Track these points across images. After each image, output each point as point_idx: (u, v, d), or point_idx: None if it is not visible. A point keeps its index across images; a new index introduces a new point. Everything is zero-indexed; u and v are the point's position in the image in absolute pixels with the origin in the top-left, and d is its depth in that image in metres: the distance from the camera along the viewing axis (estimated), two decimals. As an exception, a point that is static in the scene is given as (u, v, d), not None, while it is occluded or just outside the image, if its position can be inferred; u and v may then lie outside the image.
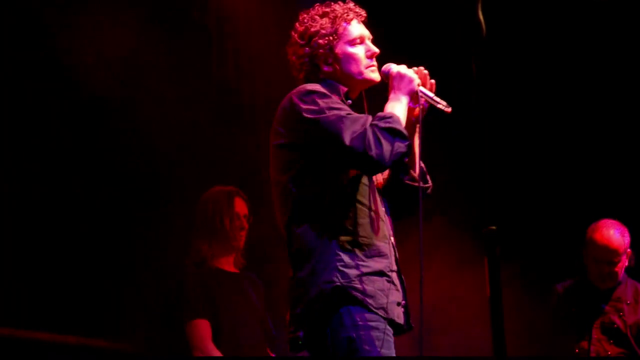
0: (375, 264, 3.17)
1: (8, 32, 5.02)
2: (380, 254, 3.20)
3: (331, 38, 3.34)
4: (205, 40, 5.66)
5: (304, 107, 3.18)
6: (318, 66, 3.35)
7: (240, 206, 4.89)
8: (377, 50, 3.40)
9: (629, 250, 5.08)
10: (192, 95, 5.53)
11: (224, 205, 4.80)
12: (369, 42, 3.41)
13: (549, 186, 6.11)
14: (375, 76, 3.39)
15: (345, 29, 3.37)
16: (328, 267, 3.11)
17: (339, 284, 3.09)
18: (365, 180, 3.25)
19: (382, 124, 3.16)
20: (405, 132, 3.20)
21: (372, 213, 3.22)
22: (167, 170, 5.48)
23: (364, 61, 3.36)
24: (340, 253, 3.13)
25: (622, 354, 5.00)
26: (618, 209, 5.33)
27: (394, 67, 3.35)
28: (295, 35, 3.40)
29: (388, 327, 3.15)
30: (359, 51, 3.37)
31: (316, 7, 3.43)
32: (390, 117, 3.20)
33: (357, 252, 3.15)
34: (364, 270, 3.14)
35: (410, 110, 3.34)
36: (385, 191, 3.41)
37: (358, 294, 3.11)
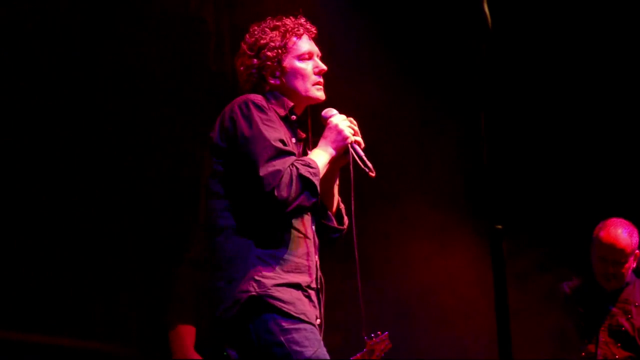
0: (293, 278, 3.21)
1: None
2: (299, 270, 3.23)
3: (280, 51, 3.37)
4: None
5: (241, 120, 3.20)
6: (265, 78, 3.39)
7: None
8: (325, 67, 3.42)
9: (637, 251, 5.04)
10: (191, 96, 5.51)
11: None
12: (317, 59, 3.43)
13: (557, 184, 6.10)
14: (321, 95, 3.42)
15: (295, 43, 3.40)
16: (245, 277, 3.14)
17: (254, 293, 3.13)
18: None
19: (302, 171, 3.17)
20: (318, 189, 3.19)
21: (295, 230, 3.25)
22: (169, 168, 5.44)
23: (311, 77, 3.40)
24: (258, 263, 3.16)
25: (630, 358, 4.98)
26: (629, 209, 5.31)
27: (333, 118, 3.37)
28: (245, 46, 3.44)
29: (314, 327, 3.19)
30: (307, 67, 3.40)
31: (268, 20, 3.46)
32: (312, 168, 3.20)
33: (274, 265, 3.18)
34: (281, 281, 3.17)
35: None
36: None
37: (276, 302, 3.14)
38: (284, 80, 3.37)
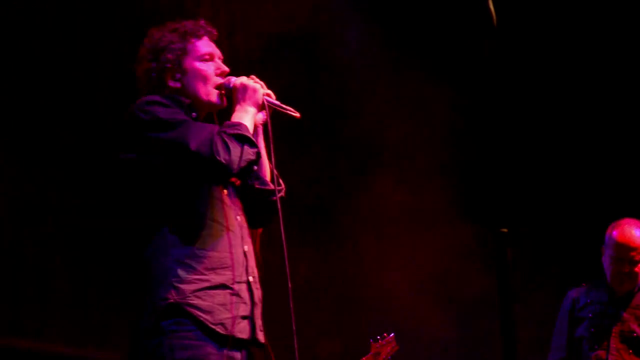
0: (216, 277, 3.16)
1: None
2: (223, 266, 3.18)
3: (180, 53, 3.33)
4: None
5: (145, 118, 3.17)
6: (164, 82, 3.33)
7: None
8: (227, 69, 3.39)
9: (651, 250, 5.02)
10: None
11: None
12: (219, 61, 3.40)
13: (565, 187, 6.11)
14: (223, 101, 3.38)
15: (194, 44, 3.37)
16: (163, 283, 3.11)
17: (172, 300, 3.08)
18: (208, 189, 3.24)
19: (230, 131, 3.16)
20: (254, 139, 3.21)
21: (215, 224, 3.21)
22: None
23: (213, 79, 3.36)
24: (176, 267, 3.12)
25: (643, 365, 4.95)
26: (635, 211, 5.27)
27: (237, 80, 3.34)
28: (143, 50, 3.37)
29: (224, 350, 3.14)
30: (208, 68, 3.36)
31: (167, 24, 3.41)
32: (239, 125, 3.20)
33: (195, 265, 3.14)
34: (202, 284, 3.12)
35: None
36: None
37: (193, 310, 3.09)
38: (184, 82, 3.33)
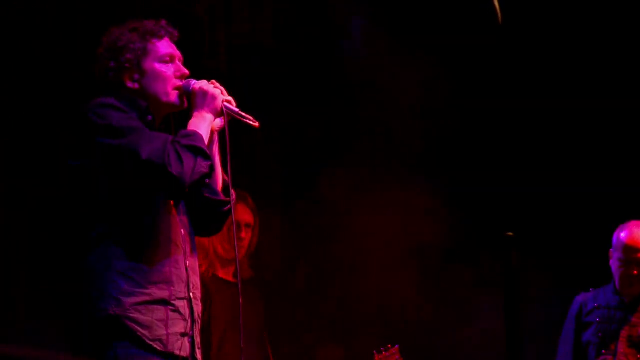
0: (158, 292, 3.12)
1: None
2: (166, 281, 3.14)
3: (139, 53, 3.26)
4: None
5: (97, 121, 3.10)
6: (122, 82, 3.26)
7: (242, 213, 4.75)
8: (186, 71, 3.32)
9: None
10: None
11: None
12: (179, 63, 3.33)
13: (571, 190, 6.01)
14: (182, 102, 3.31)
15: (155, 45, 3.29)
16: (103, 294, 3.07)
17: (112, 312, 3.05)
18: (156, 200, 3.18)
19: (184, 141, 3.10)
20: (208, 151, 3.16)
21: (161, 236, 3.17)
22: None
23: (172, 80, 3.28)
24: (118, 279, 3.08)
25: (650, 370, 4.96)
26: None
27: (196, 84, 3.28)
28: (101, 49, 3.30)
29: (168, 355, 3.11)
30: (167, 69, 3.29)
31: (127, 23, 3.35)
32: (193, 135, 3.14)
33: (137, 278, 3.09)
34: (142, 298, 3.09)
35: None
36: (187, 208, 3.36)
37: (132, 324, 3.05)
38: (143, 83, 3.26)
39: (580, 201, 5.97)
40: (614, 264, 5.07)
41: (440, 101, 5.93)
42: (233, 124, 3.33)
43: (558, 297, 5.57)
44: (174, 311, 3.14)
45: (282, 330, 5.55)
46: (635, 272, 4.98)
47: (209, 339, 4.56)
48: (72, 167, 3.17)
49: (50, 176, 4.88)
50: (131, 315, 3.05)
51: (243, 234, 4.83)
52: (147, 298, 3.09)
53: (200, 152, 3.11)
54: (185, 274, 3.21)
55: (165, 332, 3.10)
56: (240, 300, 3.30)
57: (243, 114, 3.31)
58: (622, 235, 5.01)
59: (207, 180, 3.24)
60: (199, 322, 3.26)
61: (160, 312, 3.11)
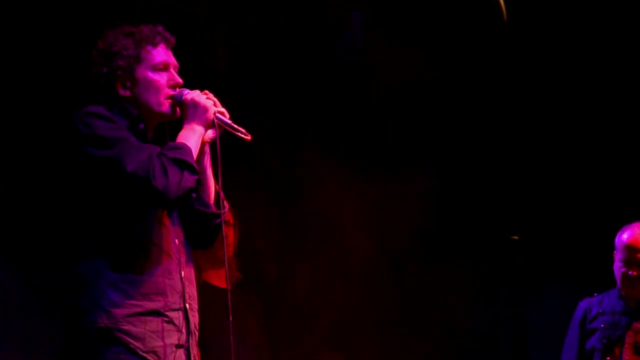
0: (150, 303, 3.08)
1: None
2: (158, 292, 3.10)
3: (132, 60, 3.21)
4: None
5: (83, 131, 3.06)
6: (114, 88, 3.22)
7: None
8: (180, 80, 3.27)
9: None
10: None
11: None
12: (173, 71, 3.28)
13: (577, 194, 6.02)
14: (174, 111, 3.27)
15: (149, 52, 3.24)
16: (94, 307, 3.03)
17: (102, 325, 3.01)
18: (147, 210, 3.14)
19: (171, 154, 3.06)
20: (195, 166, 3.12)
21: (152, 246, 3.13)
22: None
23: (165, 90, 3.23)
24: (109, 291, 3.04)
25: (657, 377, 4.93)
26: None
27: (188, 94, 3.23)
28: (95, 52, 3.26)
29: None
30: (160, 79, 3.24)
31: (123, 27, 3.29)
32: (181, 148, 3.10)
33: (129, 290, 3.06)
34: (134, 310, 3.05)
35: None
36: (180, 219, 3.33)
37: (124, 336, 3.01)
38: (135, 91, 3.22)
39: (586, 204, 5.95)
40: (616, 266, 5.04)
41: (438, 94, 5.91)
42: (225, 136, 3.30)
43: (562, 302, 5.54)
44: (168, 322, 3.10)
45: (282, 336, 5.51)
46: (636, 273, 4.95)
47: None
48: (59, 174, 3.14)
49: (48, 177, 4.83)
50: (123, 327, 3.01)
51: (227, 232, 4.76)
52: (139, 309, 3.05)
53: (187, 165, 3.07)
54: (180, 284, 3.17)
55: (160, 344, 3.06)
56: (230, 304, 3.27)
57: (235, 126, 3.26)
58: (624, 236, 4.99)
59: (194, 195, 3.21)
60: (196, 333, 3.22)
61: (153, 323, 3.07)
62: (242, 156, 5.46)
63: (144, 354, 3.02)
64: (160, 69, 3.23)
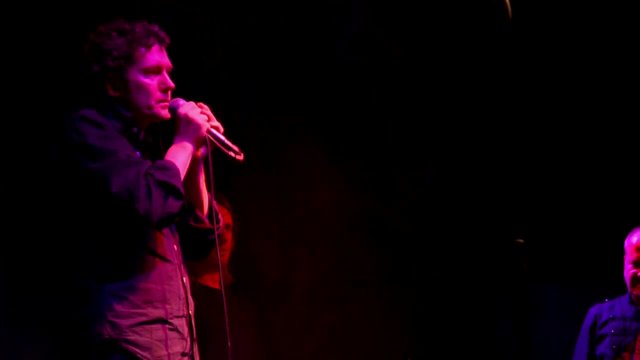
0: (154, 311, 3.03)
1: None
2: (161, 299, 3.05)
3: (123, 62, 3.13)
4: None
5: (75, 138, 2.99)
6: (104, 88, 3.15)
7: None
8: (172, 84, 3.19)
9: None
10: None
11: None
12: (166, 74, 3.20)
13: (588, 198, 5.98)
14: (165, 113, 3.19)
15: (142, 54, 3.16)
16: (98, 318, 2.97)
17: (107, 337, 2.95)
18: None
19: (158, 176, 2.98)
20: (182, 190, 3.02)
21: (151, 255, 3.06)
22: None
23: (156, 94, 3.16)
24: (112, 301, 2.98)
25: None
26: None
27: (181, 107, 3.15)
28: (87, 47, 3.19)
29: None
30: (152, 82, 3.16)
31: (117, 22, 3.21)
32: (169, 170, 3.02)
33: (132, 298, 3.00)
34: (139, 319, 3.00)
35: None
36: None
37: (130, 347, 2.96)
38: (125, 93, 3.14)
39: (598, 207, 5.94)
40: (626, 269, 5.04)
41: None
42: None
43: (572, 307, 5.52)
44: (172, 330, 3.06)
45: (280, 340, 5.47)
46: None
47: None
48: (52, 180, 3.08)
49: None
50: (129, 337, 2.96)
51: (226, 236, 4.70)
52: (144, 318, 3.00)
53: (173, 190, 2.98)
54: (183, 290, 3.13)
55: (166, 353, 3.02)
56: (225, 308, 3.21)
57: (228, 143, 3.19)
58: (634, 239, 5.01)
59: (176, 220, 3.14)
60: (196, 340, 3.17)
61: (158, 331, 3.02)
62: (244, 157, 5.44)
63: None
64: (153, 72, 3.16)
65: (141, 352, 2.96)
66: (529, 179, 5.68)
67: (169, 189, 2.97)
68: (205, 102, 3.38)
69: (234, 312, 4.65)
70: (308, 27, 5.84)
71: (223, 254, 4.70)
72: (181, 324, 3.09)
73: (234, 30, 5.65)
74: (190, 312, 3.13)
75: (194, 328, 3.14)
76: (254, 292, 5.05)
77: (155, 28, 3.21)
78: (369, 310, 6.02)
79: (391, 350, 4.93)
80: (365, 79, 6.08)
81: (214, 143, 3.17)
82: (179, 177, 3.03)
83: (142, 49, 3.15)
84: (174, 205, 2.98)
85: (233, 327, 4.56)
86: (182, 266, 3.17)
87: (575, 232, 5.93)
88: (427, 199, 6.10)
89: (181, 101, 3.17)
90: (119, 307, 2.96)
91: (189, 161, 3.11)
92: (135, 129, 3.14)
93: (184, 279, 3.15)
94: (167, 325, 3.04)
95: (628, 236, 5.04)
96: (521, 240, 4.74)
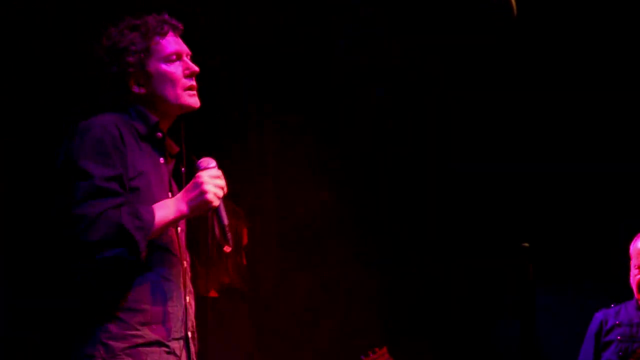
0: (151, 333, 2.88)
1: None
2: (160, 321, 2.91)
3: (142, 55, 3.03)
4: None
5: (73, 149, 2.85)
6: (127, 87, 3.03)
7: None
8: (196, 68, 3.10)
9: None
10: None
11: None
12: (187, 59, 3.10)
13: (594, 203, 5.95)
14: (194, 101, 3.08)
15: (158, 43, 3.05)
16: (91, 340, 2.82)
17: (100, 359, 2.81)
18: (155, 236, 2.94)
19: (125, 220, 2.77)
20: (140, 247, 2.78)
21: (152, 273, 2.91)
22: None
23: (182, 81, 3.05)
24: (106, 322, 2.83)
25: (675, 390, 4.92)
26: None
27: (204, 173, 2.94)
28: (101, 51, 3.07)
29: None
30: (175, 69, 3.06)
31: (126, 20, 3.11)
32: (142, 222, 2.80)
33: (128, 319, 2.85)
34: (135, 341, 2.85)
35: None
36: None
37: None
38: (150, 87, 3.03)
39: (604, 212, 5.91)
40: (632, 274, 4.97)
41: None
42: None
43: (576, 312, 5.51)
44: (168, 353, 2.91)
45: (278, 348, 5.43)
46: None
47: None
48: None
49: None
50: None
51: (243, 240, 4.65)
52: (139, 341, 2.86)
53: (128, 242, 2.76)
54: (183, 312, 2.99)
55: None
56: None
57: (226, 229, 2.99)
58: (637, 241, 4.94)
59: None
60: None
61: (155, 354, 2.88)
62: (243, 158, 5.40)
63: None
64: (173, 60, 3.05)
65: None
66: (532, 180, 5.65)
67: (124, 239, 2.76)
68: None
69: (232, 317, 4.64)
70: (308, 27, 5.79)
71: (241, 253, 4.61)
72: (179, 346, 2.96)
73: (234, 30, 5.62)
74: (188, 333, 3.00)
75: (191, 350, 3.01)
76: (252, 295, 4.99)
77: (166, 17, 3.12)
78: (369, 309, 6.01)
79: (392, 350, 4.87)
80: (365, 79, 6.04)
81: (216, 220, 2.98)
82: (147, 232, 2.82)
83: (158, 38, 3.05)
84: (122, 258, 2.77)
85: (231, 332, 4.55)
86: (187, 283, 3.04)
87: (578, 232, 5.88)
88: (428, 199, 6.08)
89: (212, 163, 2.98)
90: (113, 329, 2.83)
91: (171, 223, 2.92)
92: (159, 135, 3.02)
93: (187, 298, 3.02)
94: (164, 348, 2.90)
95: (633, 241, 4.97)
96: (526, 244, 4.71)
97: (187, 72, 3.05)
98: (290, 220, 5.86)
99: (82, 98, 4.58)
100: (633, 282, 4.95)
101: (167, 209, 2.89)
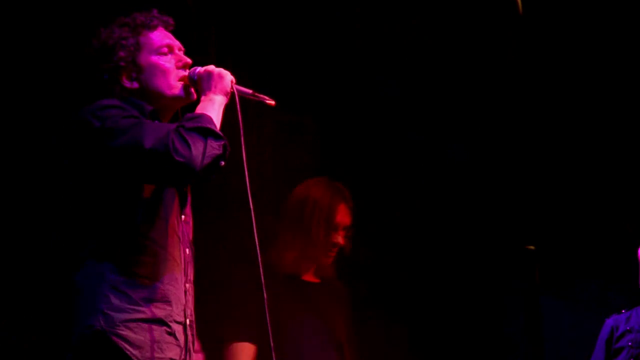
0: (155, 311, 2.87)
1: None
2: (164, 299, 2.90)
3: (133, 49, 3.05)
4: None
5: (97, 124, 2.85)
6: (119, 82, 3.03)
7: (343, 215, 4.43)
8: (189, 60, 3.11)
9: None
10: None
11: (325, 210, 4.31)
12: (179, 52, 3.12)
13: (604, 205, 5.86)
14: (188, 94, 3.10)
15: (147, 37, 3.09)
16: (92, 310, 2.82)
17: (99, 328, 2.79)
18: (160, 212, 2.94)
19: (189, 124, 2.85)
20: (219, 132, 2.90)
21: (162, 251, 2.92)
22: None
23: (174, 72, 3.06)
24: (110, 294, 2.83)
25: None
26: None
27: (201, 68, 3.05)
28: (91, 50, 3.08)
29: None
30: (167, 61, 3.07)
31: (116, 20, 3.13)
32: (200, 117, 2.89)
33: (131, 294, 2.85)
34: (136, 315, 2.84)
35: None
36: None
37: (121, 342, 2.79)
38: (142, 80, 3.03)
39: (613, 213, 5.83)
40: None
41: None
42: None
43: (580, 313, 5.50)
44: (169, 334, 2.89)
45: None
46: None
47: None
48: (67, 172, 2.95)
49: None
50: (120, 332, 2.79)
51: (342, 240, 4.46)
52: (141, 316, 2.84)
53: (209, 132, 2.84)
54: (184, 297, 2.97)
55: (159, 355, 2.83)
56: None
57: (256, 93, 3.08)
58: None
59: (223, 163, 2.93)
60: (192, 352, 2.99)
61: (155, 332, 2.86)
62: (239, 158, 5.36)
63: None
64: (164, 52, 3.07)
65: (131, 350, 2.79)
66: (536, 182, 5.56)
67: (205, 132, 2.83)
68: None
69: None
70: (308, 27, 5.74)
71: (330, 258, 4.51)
72: (179, 330, 2.93)
73: (232, 30, 5.56)
74: (187, 321, 2.97)
75: (188, 338, 2.97)
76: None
77: (155, 12, 3.14)
78: (369, 310, 5.94)
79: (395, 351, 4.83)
80: (365, 77, 5.97)
81: (242, 94, 3.04)
82: (212, 122, 2.89)
83: (147, 32, 3.08)
84: (215, 145, 2.83)
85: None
86: (187, 272, 3.02)
87: (584, 232, 5.83)
88: (429, 199, 6.02)
89: (198, 67, 3.05)
90: (115, 301, 2.81)
91: (220, 112, 2.98)
92: (156, 122, 3.00)
93: (187, 285, 3.00)
94: (165, 328, 2.88)
95: None
96: (532, 247, 4.69)
97: (179, 63, 3.05)
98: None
99: (75, 98, 4.56)
100: None
101: (205, 106, 2.94)
